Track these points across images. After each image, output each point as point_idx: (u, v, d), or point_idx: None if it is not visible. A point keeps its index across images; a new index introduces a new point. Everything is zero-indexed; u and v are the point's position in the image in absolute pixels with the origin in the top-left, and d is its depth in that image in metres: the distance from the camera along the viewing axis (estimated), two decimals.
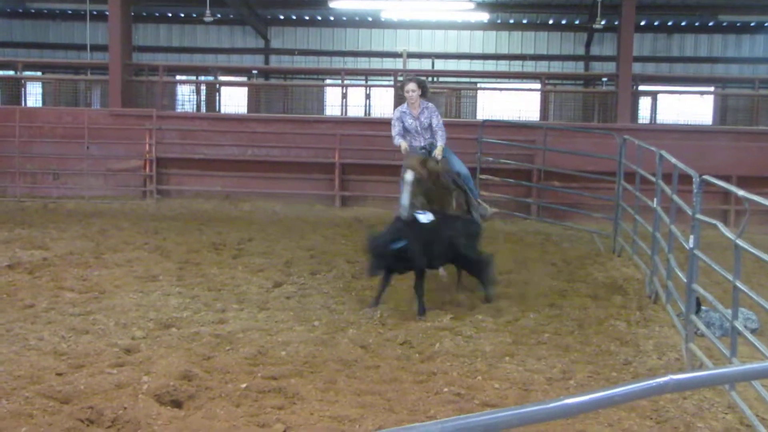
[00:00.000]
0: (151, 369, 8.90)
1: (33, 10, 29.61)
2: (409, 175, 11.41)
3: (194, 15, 27.61)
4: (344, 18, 28.45)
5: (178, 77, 28.16)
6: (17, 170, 19.75)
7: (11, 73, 27.52)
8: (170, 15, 29.58)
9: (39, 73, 28.07)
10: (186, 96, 28.01)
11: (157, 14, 28.84)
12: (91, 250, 14.37)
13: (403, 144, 12.38)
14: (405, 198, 11.34)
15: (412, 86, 12.40)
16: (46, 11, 29.63)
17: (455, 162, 12.47)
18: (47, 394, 8.25)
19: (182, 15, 29.40)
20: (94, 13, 24.57)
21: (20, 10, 29.29)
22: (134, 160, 19.50)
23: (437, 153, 12.20)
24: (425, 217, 11.08)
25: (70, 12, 27.74)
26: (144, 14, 26.48)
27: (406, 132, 12.63)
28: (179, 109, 26.42)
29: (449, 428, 3.41)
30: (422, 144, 12.50)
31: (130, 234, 15.64)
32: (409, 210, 11.27)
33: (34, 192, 19.33)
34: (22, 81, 27.26)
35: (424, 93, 12.59)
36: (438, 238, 11.24)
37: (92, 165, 19.59)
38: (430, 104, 12.70)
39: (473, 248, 11.70)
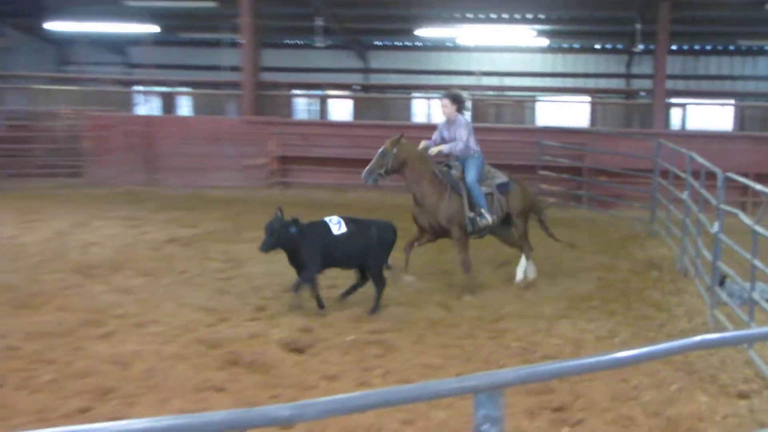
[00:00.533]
0: (278, 323, 9.11)
1: (185, 40, 30.03)
2: (381, 148, 10.93)
3: (308, 42, 27.76)
4: (428, 43, 28.41)
5: (295, 92, 28.36)
6: (173, 166, 20.14)
7: (166, 89, 28.01)
8: (289, 42, 29.79)
9: (188, 89, 28.49)
10: (302, 107, 28.29)
11: (279, 42, 29.07)
12: (230, 229, 14.64)
13: (423, 143, 11.49)
14: (369, 165, 10.89)
15: (444, 101, 11.34)
16: (195, 40, 30.05)
17: (469, 172, 10.95)
18: (199, 341, 8.50)
19: (299, 42, 29.59)
20: (231, 41, 24.87)
21: (175, 40, 29.74)
22: (262, 158, 19.76)
23: (432, 150, 11.26)
24: (338, 228, 9.61)
25: (212, 41, 28.08)
26: (269, 42, 26.66)
27: (443, 142, 11.27)
28: (297, 117, 26.67)
29: (522, 375, 3.50)
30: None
31: (261, 216, 15.81)
32: (367, 177, 10.89)
33: (185, 183, 19.65)
34: (175, 95, 27.84)
35: (459, 107, 11.28)
36: (343, 247, 9.65)
37: (230, 162, 19.88)
38: (461, 117, 11.24)
39: (383, 256, 10.06)
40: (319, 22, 24.78)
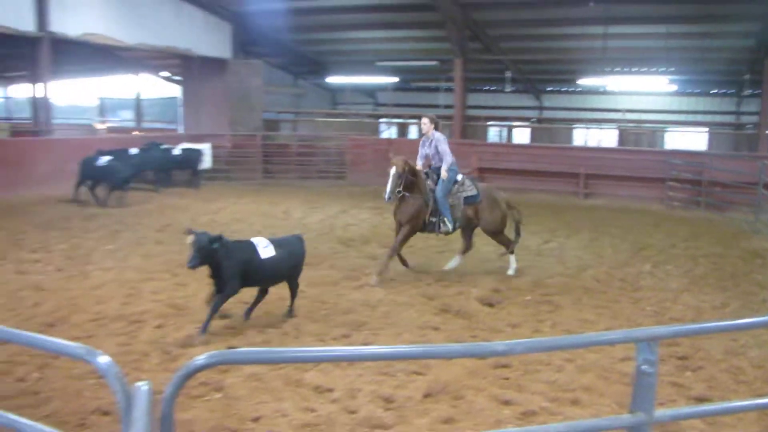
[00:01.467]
0: (476, 284, 9.02)
1: (415, 87, 30.36)
2: (392, 170, 9.11)
3: (499, 88, 27.44)
4: (586, 89, 27.39)
5: (489, 123, 28.09)
6: None
7: (401, 120, 28.41)
8: (486, 88, 29.50)
9: (415, 120, 28.80)
10: (494, 133, 28.01)
11: (479, 88, 28.86)
12: None
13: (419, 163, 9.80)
14: (389, 186, 9.06)
15: (424, 120, 9.67)
16: (421, 87, 30.32)
17: (441, 187, 9.44)
18: (421, 294, 8.54)
19: (492, 88, 29.26)
20: (446, 87, 24.91)
21: (408, 87, 30.13)
22: (467, 169, 19.63)
23: (443, 172, 9.49)
24: (266, 251, 7.04)
25: (433, 87, 28.25)
26: (472, 88, 26.49)
27: (426, 158, 9.83)
28: (490, 140, 26.39)
29: (671, 331, 3.34)
30: (438, 164, 9.63)
31: None
32: (390, 195, 9.08)
33: None
34: (407, 125, 28.24)
35: (436, 126, 9.66)
36: (269, 268, 7.08)
37: None
38: (437, 134, 9.62)
39: (297, 269, 7.61)
40: (508, 74, 24.49)
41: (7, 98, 37.55)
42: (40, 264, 9.57)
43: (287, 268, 7.36)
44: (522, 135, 28.22)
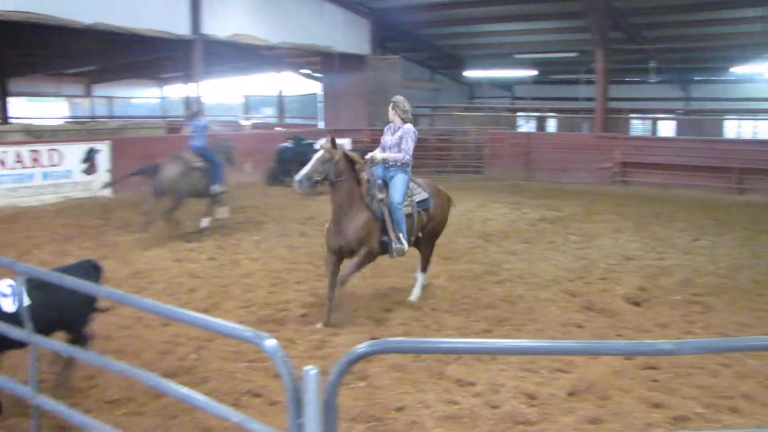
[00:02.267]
0: (621, 282, 8.70)
1: (553, 79, 29.65)
2: (318, 154, 6.94)
3: (643, 79, 26.23)
4: (740, 78, 25.64)
5: (632, 115, 26.94)
6: (543, 167, 19.98)
7: (539, 114, 27.83)
8: (628, 79, 28.30)
9: (554, 114, 28.08)
10: (637, 126, 26.88)
11: (621, 79, 27.72)
12: (584, 213, 14.16)
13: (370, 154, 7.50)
14: (304, 170, 6.84)
15: (390, 106, 7.74)
16: (560, 80, 29.55)
17: (395, 191, 7.26)
18: (564, 291, 8.35)
19: (636, 79, 28.01)
20: (586, 80, 24.13)
21: (547, 80, 29.46)
22: (608, 163, 18.93)
23: (377, 156, 7.36)
24: (10, 304, 4.37)
25: (572, 80, 27.46)
26: (614, 79, 25.47)
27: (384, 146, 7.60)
28: (633, 133, 25.32)
29: None
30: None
31: (606, 205, 15.28)
32: (301, 180, 6.78)
33: (552, 179, 19.37)
34: (545, 118, 27.65)
35: (405, 120, 7.59)
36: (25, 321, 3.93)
37: (583, 165, 19.29)
38: (409, 127, 7.51)
39: (89, 310, 5.16)
40: (652, 63, 23.38)
41: (163, 98, 40.20)
42: (195, 253, 10.19)
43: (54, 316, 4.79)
44: (667, 128, 26.85)
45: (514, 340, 2.79)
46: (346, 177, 7.05)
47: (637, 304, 7.82)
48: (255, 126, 27.04)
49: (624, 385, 5.46)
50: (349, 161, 7.12)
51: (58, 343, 4.42)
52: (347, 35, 22.25)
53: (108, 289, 3.90)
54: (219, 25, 18.21)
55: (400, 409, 5.08)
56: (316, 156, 6.95)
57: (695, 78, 27.90)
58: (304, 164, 7.03)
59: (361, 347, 2.60)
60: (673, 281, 8.79)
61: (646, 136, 24.42)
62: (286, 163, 17.24)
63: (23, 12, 14.25)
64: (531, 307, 7.64)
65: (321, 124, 25.01)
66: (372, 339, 6.36)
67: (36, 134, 16.33)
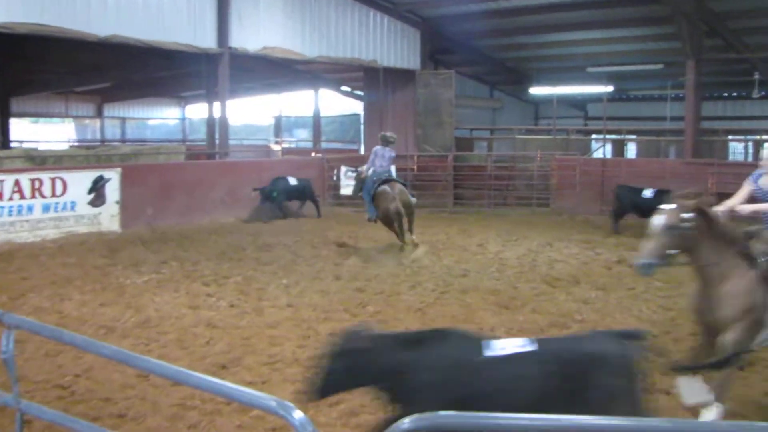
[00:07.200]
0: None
1: (634, 96, 29.46)
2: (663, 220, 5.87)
3: (745, 93, 25.84)
4: None
5: (730, 137, 26.51)
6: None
7: (617, 137, 27.59)
8: (726, 95, 27.96)
9: (635, 136, 27.81)
10: (738, 150, 26.41)
11: (717, 94, 27.40)
12: None
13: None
14: (651, 247, 5.96)
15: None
16: (642, 96, 29.36)
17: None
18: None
19: (735, 94, 27.64)
20: (674, 96, 23.89)
21: (626, 96, 29.32)
22: (700, 192, 18.54)
23: (745, 209, 6.79)
24: None
25: (656, 96, 27.23)
26: (708, 95, 25.13)
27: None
28: (731, 159, 24.86)
29: None
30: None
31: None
32: (645, 268, 5.96)
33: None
34: (625, 141, 27.36)
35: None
36: None
37: None
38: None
39: None
40: (756, 76, 23.01)
41: (183, 119, 41.10)
42: (213, 299, 10.24)
43: None
44: None
45: (588, 417, 2.66)
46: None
47: (740, 368, 7.52)
48: (286, 151, 27.37)
49: None
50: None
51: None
52: (394, 47, 22.46)
53: (109, 347, 3.90)
54: (249, 38, 18.56)
55: None
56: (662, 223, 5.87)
57: None
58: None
59: (406, 422, 2.55)
60: None
61: (747, 162, 23.93)
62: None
63: (30, 24, 14.68)
64: None
65: (362, 149, 25.16)
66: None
67: (38, 160, 16.75)
